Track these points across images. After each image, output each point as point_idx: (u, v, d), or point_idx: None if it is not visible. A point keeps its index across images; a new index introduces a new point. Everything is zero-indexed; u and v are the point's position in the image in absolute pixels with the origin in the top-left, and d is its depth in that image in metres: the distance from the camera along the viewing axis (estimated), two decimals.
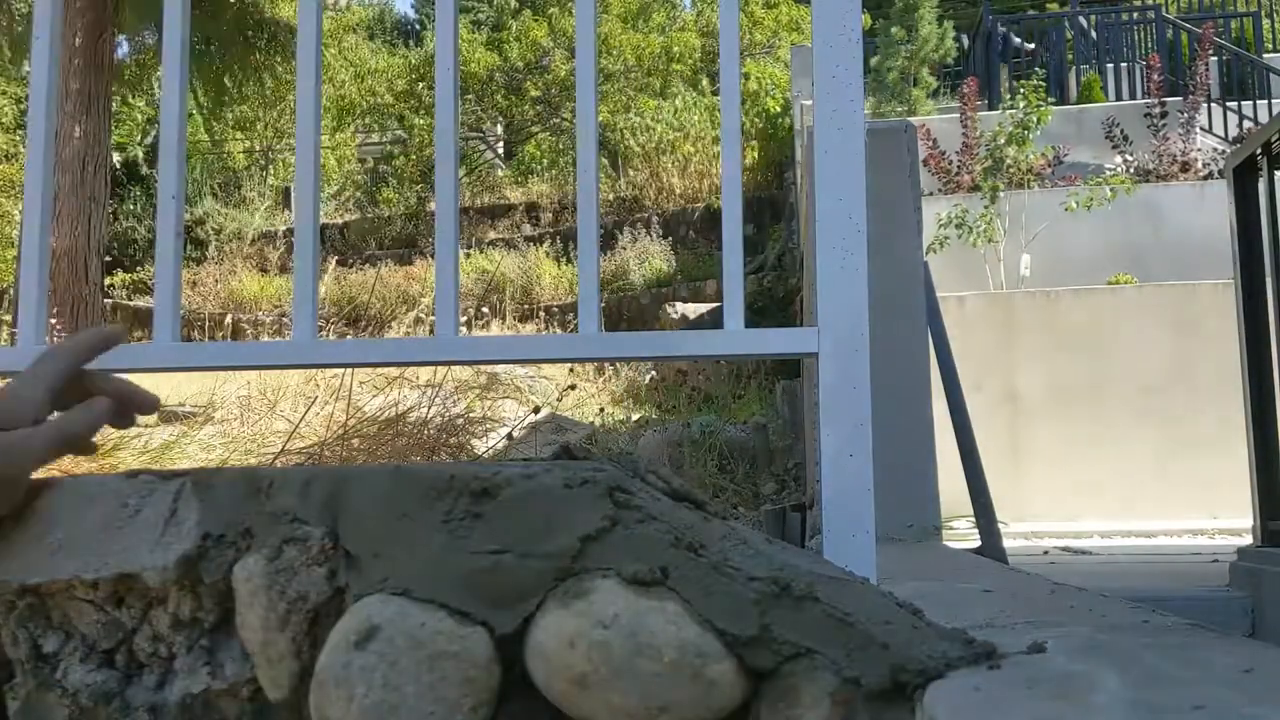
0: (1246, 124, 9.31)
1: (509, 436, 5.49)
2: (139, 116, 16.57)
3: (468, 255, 12.26)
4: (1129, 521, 5.48)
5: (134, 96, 15.14)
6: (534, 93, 16.25)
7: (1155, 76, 9.44)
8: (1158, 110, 8.96)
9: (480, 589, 0.75)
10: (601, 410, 7.06)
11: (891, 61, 12.46)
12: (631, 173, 14.42)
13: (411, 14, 27.72)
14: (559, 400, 7.13)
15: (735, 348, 1.25)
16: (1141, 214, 7.72)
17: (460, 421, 5.33)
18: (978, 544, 3.15)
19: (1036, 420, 6.03)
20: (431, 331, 1.35)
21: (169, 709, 0.87)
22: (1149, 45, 12.01)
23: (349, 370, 4.44)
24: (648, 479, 0.84)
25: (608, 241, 11.92)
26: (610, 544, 0.74)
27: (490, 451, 5.26)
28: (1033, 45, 12.62)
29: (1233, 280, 3.10)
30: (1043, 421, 6.01)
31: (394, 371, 5.42)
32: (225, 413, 5.58)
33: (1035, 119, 8.35)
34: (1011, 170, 8.25)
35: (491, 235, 13.98)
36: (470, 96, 15.93)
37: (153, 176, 15.15)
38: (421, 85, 15.60)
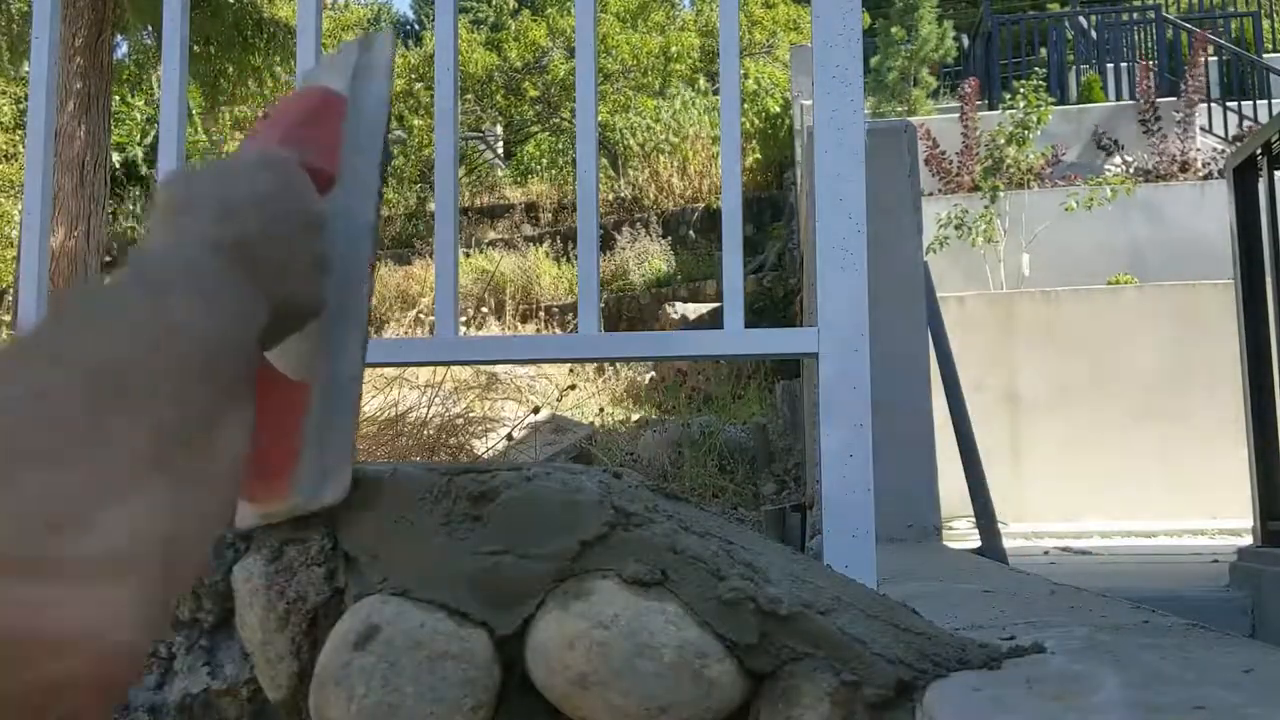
0: (1246, 124, 9.31)
1: (509, 437, 5.49)
2: (138, 116, 16.55)
3: (467, 255, 12.25)
4: (1129, 521, 5.47)
5: (133, 96, 15.13)
6: (533, 93, 16.24)
7: (1146, 82, 9.50)
8: (1150, 114, 9.04)
9: (480, 590, 0.75)
10: (601, 410, 7.05)
11: (891, 61, 12.45)
12: (631, 172, 14.40)
13: (410, 14, 27.72)
14: (559, 400, 7.11)
15: (735, 348, 1.25)
16: (1142, 214, 7.72)
17: (460, 422, 5.32)
18: (978, 544, 3.14)
19: (1037, 420, 6.02)
20: (431, 331, 1.35)
21: (168, 709, 0.87)
22: (1149, 45, 12.00)
23: None
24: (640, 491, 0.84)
25: (607, 241, 11.91)
26: (610, 546, 0.74)
27: (490, 452, 5.25)
28: None
29: (1233, 280, 3.10)
30: (1043, 421, 6.00)
31: (394, 371, 5.42)
32: None
33: (1035, 119, 8.36)
34: (1011, 170, 8.25)
35: (491, 235, 13.97)
36: (470, 96, 15.92)
37: (152, 176, 15.12)
38: (420, 85, 15.59)
